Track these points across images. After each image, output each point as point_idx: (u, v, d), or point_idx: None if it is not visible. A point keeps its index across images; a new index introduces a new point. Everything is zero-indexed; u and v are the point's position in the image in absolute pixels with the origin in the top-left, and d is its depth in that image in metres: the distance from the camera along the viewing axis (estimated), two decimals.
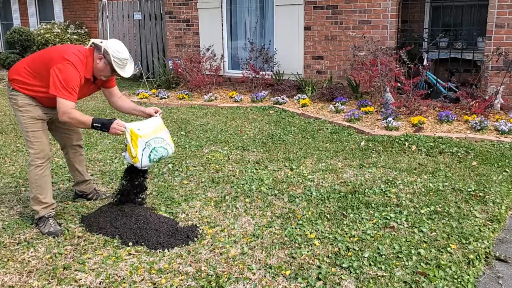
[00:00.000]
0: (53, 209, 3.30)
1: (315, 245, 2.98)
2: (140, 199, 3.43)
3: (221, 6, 8.90)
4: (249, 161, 4.66)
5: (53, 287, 2.57)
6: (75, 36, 11.55)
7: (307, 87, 7.80)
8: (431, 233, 3.12)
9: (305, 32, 8.02)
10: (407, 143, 5.06)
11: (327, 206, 3.56)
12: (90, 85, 3.23)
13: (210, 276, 2.65)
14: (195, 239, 3.08)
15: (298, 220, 3.33)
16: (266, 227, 3.24)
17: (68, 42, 11.47)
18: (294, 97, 7.61)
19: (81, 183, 3.71)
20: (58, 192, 3.93)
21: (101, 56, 3.07)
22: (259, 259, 2.83)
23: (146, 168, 3.29)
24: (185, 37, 9.58)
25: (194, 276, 2.65)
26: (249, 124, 6.21)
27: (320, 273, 2.65)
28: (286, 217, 3.40)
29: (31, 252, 2.93)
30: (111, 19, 11.30)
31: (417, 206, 3.54)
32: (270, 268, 2.73)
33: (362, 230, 3.16)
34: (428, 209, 3.47)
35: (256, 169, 4.43)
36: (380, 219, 3.31)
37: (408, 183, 4.00)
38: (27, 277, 2.66)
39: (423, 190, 3.84)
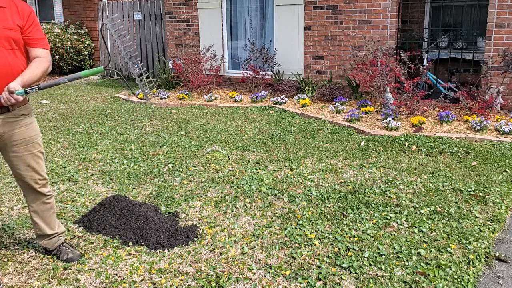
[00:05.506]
0: None
1: (315, 245, 2.98)
2: None
3: (221, 6, 8.90)
4: (249, 161, 4.66)
5: (53, 287, 2.58)
6: (75, 36, 11.54)
7: (307, 87, 7.80)
8: (431, 233, 3.12)
9: (305, 32, 8.02)
10: (407, 143, 5.06)
11: (327, 206, 3.56)
12: None
13: (210, 276, 2.65)
14: (195, 239, 3.08)
15: (298, 220, 3.33)
16: (266, 227, 3.24)
17: (68, 42, 11.45)
18: (294, 97, 7.60)
19: (41, 236, 2.85)
20: (58, 191, 3.93)
21: None
22: (259, 259, 2.83)
23: None
24: (185, 37, 9.58)
25: (194, 276, 2.65)
26: (249, 124, 6.21)
27: (320, 273, 2.65)
28: (286, 217, 3.39)
29: (31, 252, 2.93)
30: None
31: (417, 206, 3.54)
32: (270, 268, 2.73)
33: (362, 230, 3.16)
34: (428, 209, 3.47)
35: (256, 169, 4.43)
36: (380, 219, 3.31)
37: (408, 183, 4.00)
38: (27, 277, 2.67)
39: (423, 190, 3.84)
